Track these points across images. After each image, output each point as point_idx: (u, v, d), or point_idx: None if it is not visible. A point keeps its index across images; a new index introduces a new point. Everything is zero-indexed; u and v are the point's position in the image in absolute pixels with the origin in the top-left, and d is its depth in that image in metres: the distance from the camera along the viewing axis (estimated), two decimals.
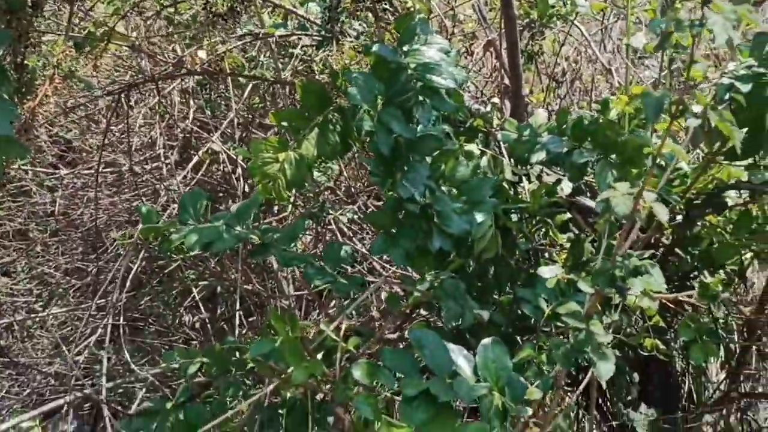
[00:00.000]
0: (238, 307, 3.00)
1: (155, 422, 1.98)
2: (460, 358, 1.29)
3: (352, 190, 3.09)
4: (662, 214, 1.07)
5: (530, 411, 1.26)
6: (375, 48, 1.61)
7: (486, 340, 1.30)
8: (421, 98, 1.49)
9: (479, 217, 1.52)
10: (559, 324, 1.66)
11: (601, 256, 1.18)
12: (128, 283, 3.06)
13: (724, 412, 2.61)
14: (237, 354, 2.12)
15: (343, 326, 1.27)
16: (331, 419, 1.80)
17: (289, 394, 1.78)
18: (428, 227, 1.47)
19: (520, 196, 1.86)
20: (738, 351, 2.54)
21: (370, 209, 3.14)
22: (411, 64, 1.57)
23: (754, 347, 2.71)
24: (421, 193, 1.44)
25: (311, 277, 1.52)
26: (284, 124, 1.72)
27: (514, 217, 1.91)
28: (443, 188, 1.51)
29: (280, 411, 1.80)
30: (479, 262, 1.77)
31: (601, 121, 1.72)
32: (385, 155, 1.45)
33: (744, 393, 2.59)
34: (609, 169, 1.67)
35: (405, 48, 1.61)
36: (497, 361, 1.28)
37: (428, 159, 1.52)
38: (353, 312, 1.45)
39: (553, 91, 3.14)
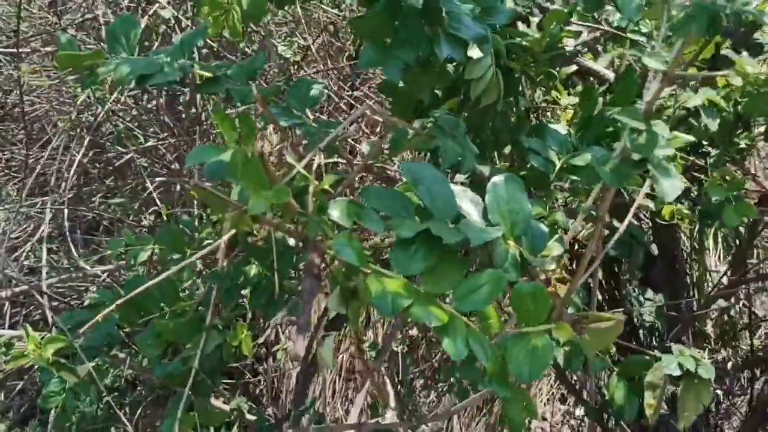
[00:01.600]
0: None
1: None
2: (464, 200, 1.01)
3: (321, 67, 2.77)
4: None
5: (554, 265, 1.00)
6: None
7: (498, 178, 1.02)
8: None
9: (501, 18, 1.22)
10: (573, 178, 1.39)
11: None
12: (74, 178, 2.75)
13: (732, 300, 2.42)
14: (195, 236, 1.85)
15: (316, 163, 0.99)
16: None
17: (252, 272, 1.52)
18: (433, 33, 1.17)
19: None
20: (748, 231, 2.32)
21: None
22: None
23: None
24: None
25: (277, 117, 1.22)
26: None
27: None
28: None
29: (243, 292, 1.54)
30: (474, 112, 1.49)
31: None
32: None
33: (756, 275, 2.38)
34: None
35: None
36: (512, 202, 1.00)
37: None
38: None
39: None
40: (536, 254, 1.00)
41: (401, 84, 1.56)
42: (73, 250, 2.45)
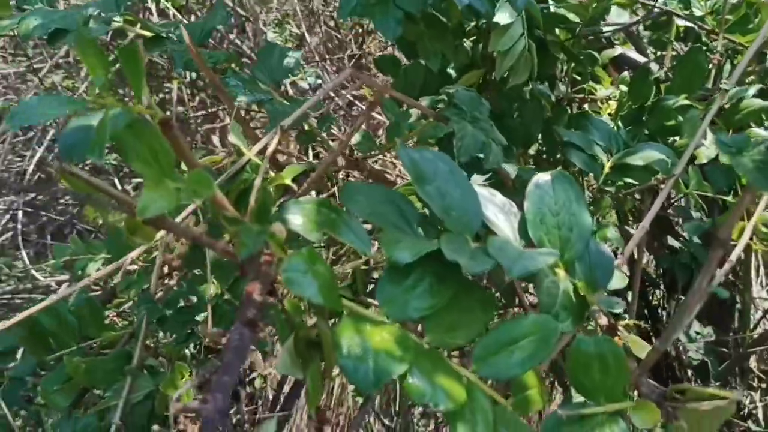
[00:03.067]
0: None
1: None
2: (492, 207, 0.69)
3: (317, 58, 2.44)
4: None
5: (623, 306, 0.67)
6: None
7: (542, 176, 0.70)
8: None
9: None
10: (626, 182, 1.07)
11: None
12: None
13: None
14: None
15: (270, 148, 0.66)
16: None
17: (209, 291, 1.19)
18: None
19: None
20: None
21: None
22: None
23: None
24: None
25: (235, 92, 0.90)
26: None
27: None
28: None
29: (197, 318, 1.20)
30: (500, 93, 1.17)
31: None
32: None
33: None
34: None
35: None
36: (564, 212, 0.68)
37: None
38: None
39: None
40: (598, 289, 0.67)
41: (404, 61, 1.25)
42: (25, 257, 2.12)
